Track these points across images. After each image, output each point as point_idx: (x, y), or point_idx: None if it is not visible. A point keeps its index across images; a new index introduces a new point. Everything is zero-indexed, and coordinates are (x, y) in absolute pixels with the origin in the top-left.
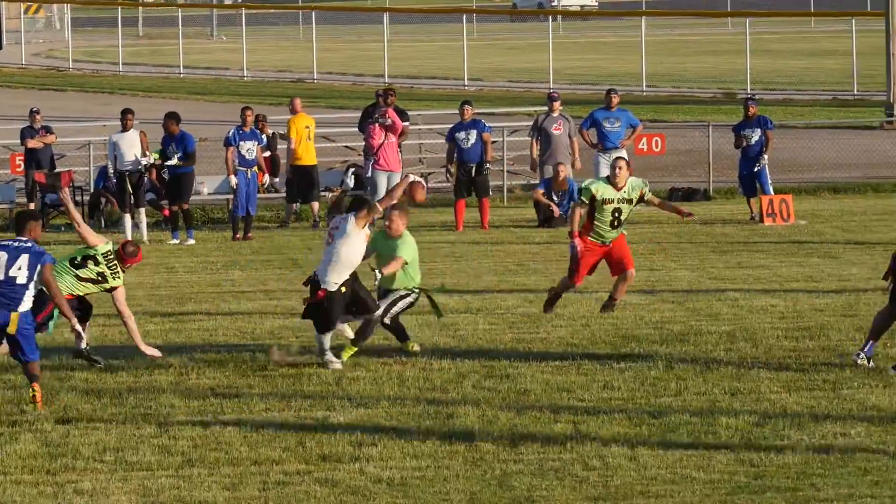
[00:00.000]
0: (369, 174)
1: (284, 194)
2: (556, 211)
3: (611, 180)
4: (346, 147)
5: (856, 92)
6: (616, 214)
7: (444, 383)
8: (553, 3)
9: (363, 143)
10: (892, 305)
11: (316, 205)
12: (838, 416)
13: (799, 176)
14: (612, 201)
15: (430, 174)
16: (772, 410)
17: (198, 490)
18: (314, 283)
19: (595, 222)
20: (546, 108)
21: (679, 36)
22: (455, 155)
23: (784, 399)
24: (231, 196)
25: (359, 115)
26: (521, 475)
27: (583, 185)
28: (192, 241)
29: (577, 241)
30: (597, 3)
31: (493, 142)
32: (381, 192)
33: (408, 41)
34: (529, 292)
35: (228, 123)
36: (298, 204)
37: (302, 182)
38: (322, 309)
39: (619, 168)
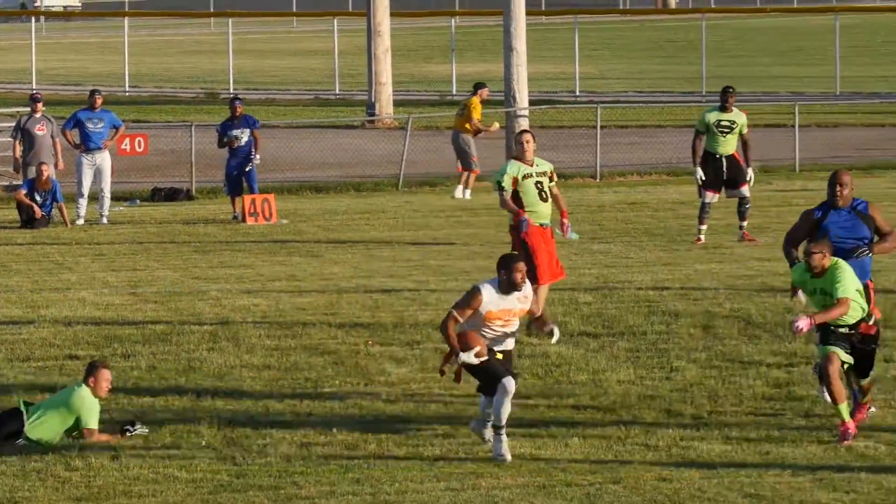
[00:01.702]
0: None
1: None
2: (38, 212)
3: (518, 157)
4: None
5: (338, 91)
6: (539, 187)
7: None
8: (36, 4)
9: None
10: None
11: None
12: (319, 415)
13: (281, 175)
14: (531, 175)
15: None
16: (254, 409)
17: None
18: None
19: (525, 203)
20: (29, 109)
21: (162, 37)
22: None
23: (266, 397)
24: None
25: None
26: (4, 476)
27: (496, 175)
28: None
29: (524, 216)
30: (80, 4)
31: None
32: None
33: None
34: (11, 292)
35: None
36: None
37: None
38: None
39: (527, 142)
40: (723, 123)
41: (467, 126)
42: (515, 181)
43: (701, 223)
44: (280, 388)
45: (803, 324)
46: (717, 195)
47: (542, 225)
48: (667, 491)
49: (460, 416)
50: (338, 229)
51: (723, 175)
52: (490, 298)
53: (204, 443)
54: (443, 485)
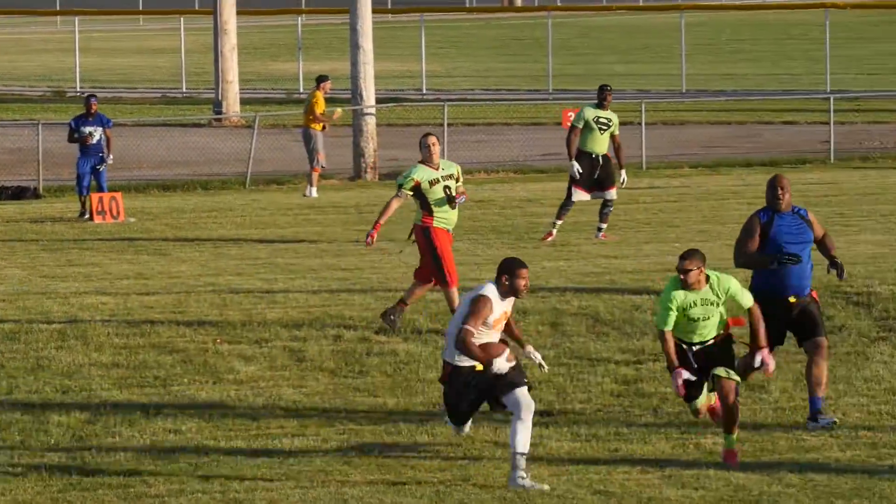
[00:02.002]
0: None
1: None
2: None
3: (424, 161)
4: None
5: (185, 90)
6: (448, 192)
7: None
8: None
9: None
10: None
11: None
12: (169, 413)
13: (129, 173)
14: (438, 180)
15: None
16: (103, 407)
17: None
18: None
19: (434, 207)
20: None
21: (9, 35)
22: None
23: (115, 396)
24: None
25: None
26: None
27: (400, 178)
28: None
29: (373, 233)
30: None
31: None
32: None
33: None
34: None
35: None
36: None
37: None
38: None
39: (433, 144)
40: (601, 120)
41: (314, 122)
42: (419, 185)
43: (559, 218)
44: (129, 386)
45: (769, 361)
46: (588, 196)
47: (449, 231)
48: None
49: (309, 413)
50: (185, 227)
51: (594, 175)
52: (495, 304)
53: (53, 441)
54: (292, 482)
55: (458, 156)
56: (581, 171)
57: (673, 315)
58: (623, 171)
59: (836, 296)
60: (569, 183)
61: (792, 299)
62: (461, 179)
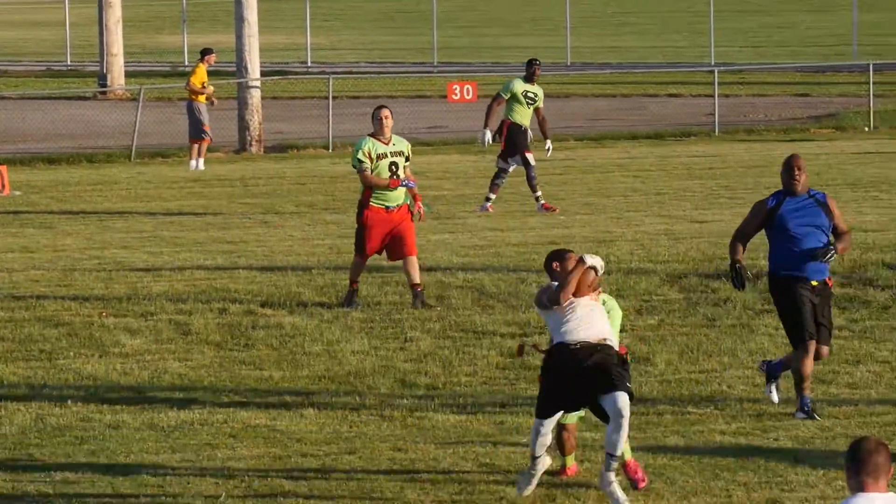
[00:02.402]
0: None
1: None
2: None
3: (375, 134)
4: None
5: (69, 63)
6: (394, 169)
7: None
8: None
9: None
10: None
11: None
12: (55, 387)
13: (13, 146)
14: (386, 155)
15: None
16: None
17: None
18: None
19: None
20: None
21: None
22: None
23: (0, 369)
24: None
25: None
26: None
27: (353, 159)
28: None
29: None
30: None
31: None
32: None
33: None
34: None
35: None
36: None
37: None
38: None
39: (385, 118)
40: (529, 94)
41: (196, 95)
42: (369, 158)
43: (493, 191)
44: (14, 359)
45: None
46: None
47: (387, 209)
48: (402, 461)
49: (195, 386)
50: (71, 201)
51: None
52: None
53: None
54: (178, 456)
55: (344, 128)
56: (508, 145)
57: None
58: (549, 142)
59: (720, 269)
60: (499, 156)
61: (814, 283)
62: (410, 158)
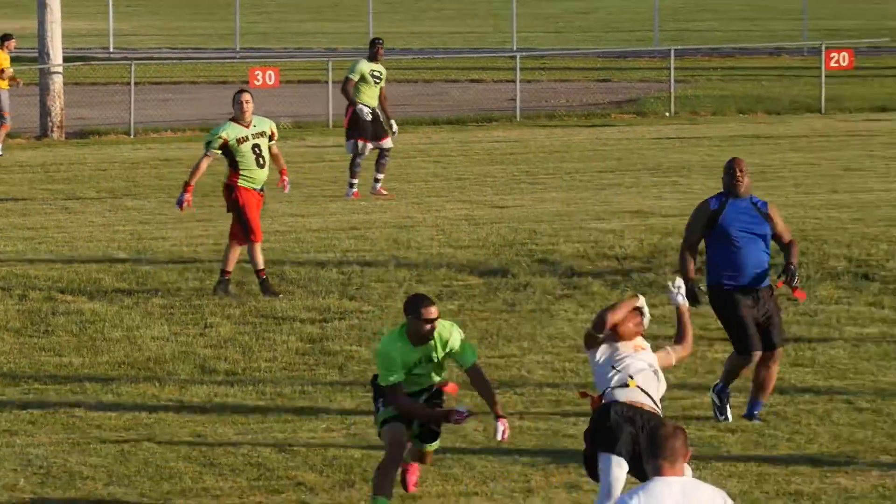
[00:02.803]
0: None
1: None
2: None
3: (236, 118)
4: None
5: None
6: (257, 151)
7: None
8: None
9: None
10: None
11: None
12: None
13: None
14: (247, 139)
15: None
16: None
17: None
18: None
19: (241, 167)
20: None
21: None
22: None
23: None
24: None
25: None
26: None
27: (208, 136)
28: None
29: (187, 196)
30: None
31: None
32: None
33: None
34: None
35: None
36: None
37: None
38: None
39: (246, 102)
40: (375, 73)
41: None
42: (226, 143)
43: (354, 177)
44: None
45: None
46: (370, 146)
47: (259, 191)
48: (202, 447)
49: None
50: None
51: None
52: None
53: None
54: None
55: (146, 114)
56: (368, 118)
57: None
58: (393, 122)
59: (520, 254)
60: (353, 140)
61: (759, 290)
62: (276, 137)
